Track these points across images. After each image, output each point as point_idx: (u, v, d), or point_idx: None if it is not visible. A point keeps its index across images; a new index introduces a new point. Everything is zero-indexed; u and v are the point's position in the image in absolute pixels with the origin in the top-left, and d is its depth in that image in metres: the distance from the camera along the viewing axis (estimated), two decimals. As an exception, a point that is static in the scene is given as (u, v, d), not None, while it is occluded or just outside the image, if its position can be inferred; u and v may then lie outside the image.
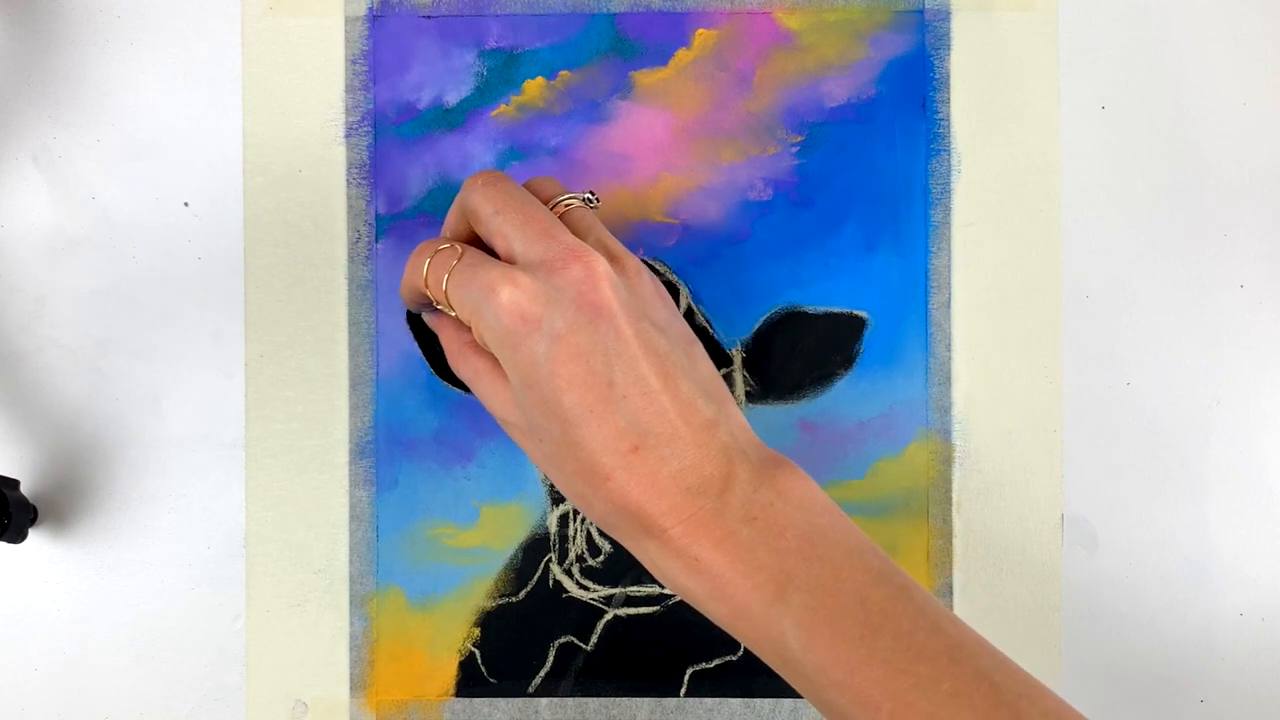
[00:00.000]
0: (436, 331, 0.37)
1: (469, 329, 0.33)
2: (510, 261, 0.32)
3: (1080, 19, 0.41)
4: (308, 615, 0.41)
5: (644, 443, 0.29)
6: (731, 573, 0.29)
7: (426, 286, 0.33)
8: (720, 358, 0.41)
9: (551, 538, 0.41)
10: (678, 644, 0.41)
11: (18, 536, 0.40)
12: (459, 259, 0.32)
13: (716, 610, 0.30)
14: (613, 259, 0.32)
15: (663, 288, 0.34)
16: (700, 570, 0.29)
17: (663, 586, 0.41)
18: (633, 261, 0.33)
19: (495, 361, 0.33)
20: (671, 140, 0.42)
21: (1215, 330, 0.41)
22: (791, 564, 0.29)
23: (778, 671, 0.30)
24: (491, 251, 0.33)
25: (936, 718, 0.27)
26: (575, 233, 0.33)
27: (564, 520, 0.41)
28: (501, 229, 0.32)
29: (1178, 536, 0.41)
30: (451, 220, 0.35)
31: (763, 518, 0.30)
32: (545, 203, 0.34)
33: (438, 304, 0.33)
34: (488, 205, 0.32)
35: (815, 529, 0.30)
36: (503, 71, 0.42)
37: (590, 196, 0.35)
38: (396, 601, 0.41)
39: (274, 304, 0.41)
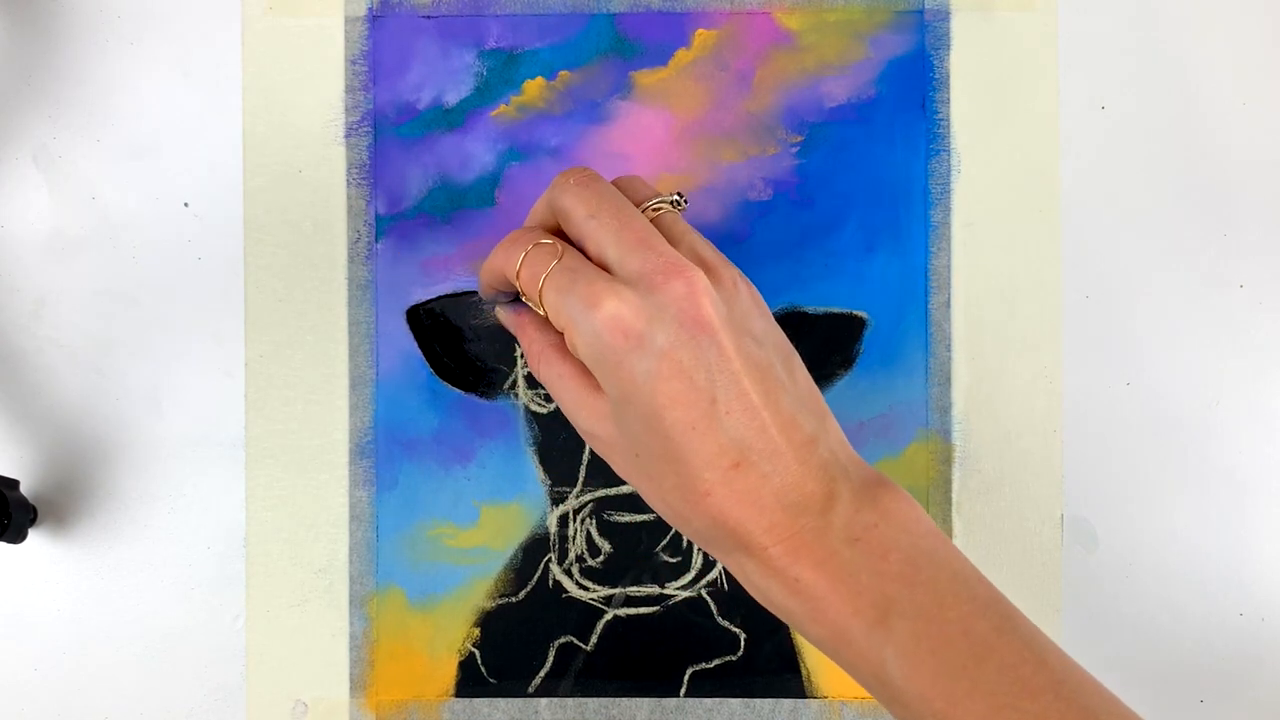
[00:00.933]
0: (514, 328, 0.36)
1: (555, 331, 0.32)
2: (602, 267, 0.31)
3: (1080, 19, 0.41)
4: (308, 615, 0.41)
5: (745, 459, 0.29)
6: (833, 595, 0.28)
7: (518, 280, 0.32)
8: None
9: (551, 538, 0.41)
10: (678, 644, 0.41)
11: (18, 536, 0.40)
12: (558, 260, 0.31)
13: (816, 632, 0.29)
14: (709, 269, 0.31)
15: (758, 293, 0.33)
16: (801, 591, 0.29)
17: (663, 586, 0.41)
18: (729, 271, 0.32)
19: (583, 369, 0.32)
20: (671, 140, 0.42)
21: (1215, 330, 0.41)
22: (894, 589, 0.28)
23: (874, 696, 0.29)
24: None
25: None
26: (668, 239, 0.32)
27: (564, 520, 0.41)
28: (596, 234, 0.31)
29: (1178, 536, 0.41)
30: (539, 215, 0.34)
31: (865, 539, 0.29)
32: (636, 205, 0.33)
33: (525, 299, 0.32)
34: (582, 207, 0.31)
35: (919, 553, 0.29)
36: (503, 71, 0.42)
37: (679, 198, 0.33)
38: (396, 601, 0.41)
39: (274, 304, 0.41)
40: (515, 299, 0.35)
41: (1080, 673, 0.29)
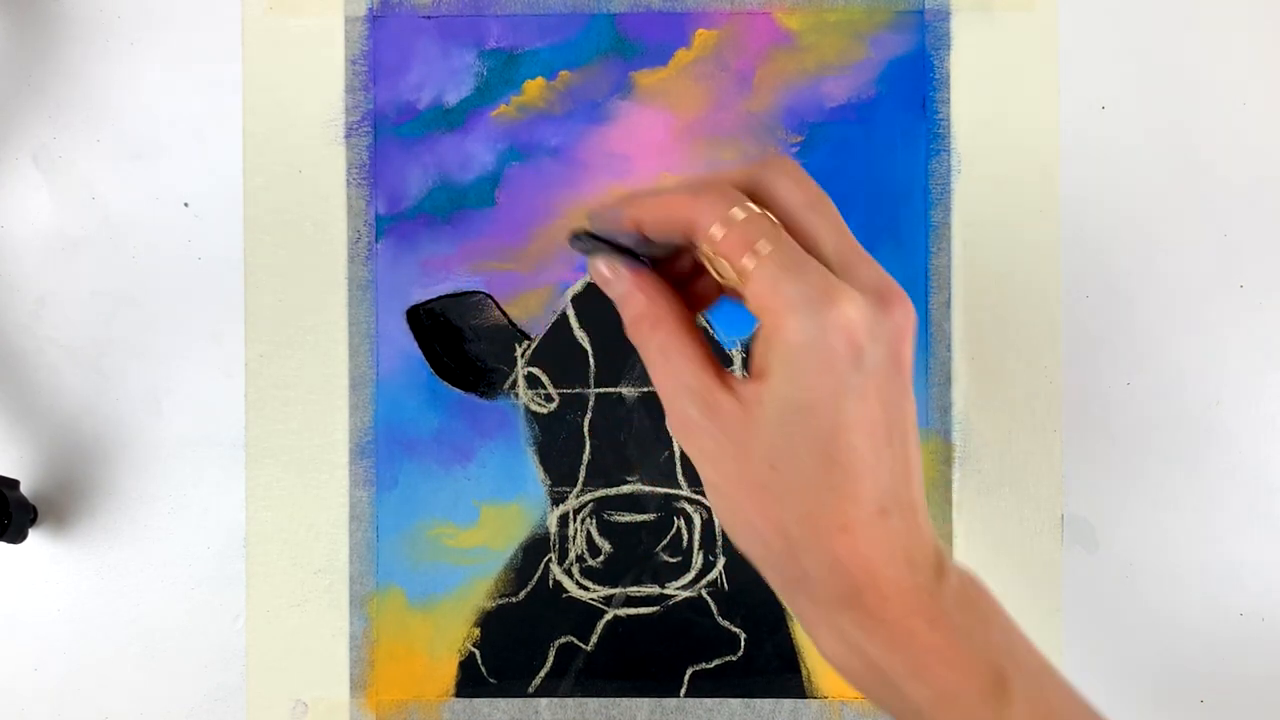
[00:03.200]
0: (620, 283, 0.30)
1: (674, 298, 0.29)
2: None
3: (1080, 19, 0.41)
4: (308, 615, 0.41)
5: (891, 509, 0.28)
6: (948, 653, 0.28)
7: (713, 239, 0.28)
8: (720, 358, 0.41)
9: (551, 538, 0.41)
10: (678, 644, 0.41)
11: (18, 536, 0.40)
12: (779, 240, 0.27)
13: (916, 691, 0.28)
14: (901, 304, 0.28)
15: None
16: (910, 646, 0.28)
17: (663, 586, 0.41)
18: (913, 315, 0.29)
19: (704, 348, 0.29)
20: (671, 140, 0.42)
21: (1215, 330, 0.41)
22: (1002, 660, 0.28)
23: None
24: None
25: None
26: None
27: (564, 520, 0.41)
28: (819, 229, 0.28)
29: (1178, 536, 0.41)
30: (736, 178, 0.29)
31: (974, 608, 0.29)
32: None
33: (713, 266, 0.28)
34: (801, 195, 0.28)
35: (1014, 631, 0.29)
36: (503, 71, 0.42)
37: None
38: (396, 601, 0.41)
39: (274, 304, 0.41)
40: (625, 251, 0.30)
41: None
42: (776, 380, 0.27)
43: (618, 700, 0.41)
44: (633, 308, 0.30)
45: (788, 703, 0.41)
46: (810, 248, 0.28)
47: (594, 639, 0.41)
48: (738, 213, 0.27)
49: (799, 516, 0.28)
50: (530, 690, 0.41)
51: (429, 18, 0.42)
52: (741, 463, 0.28)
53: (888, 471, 0.28)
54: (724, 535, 0.41)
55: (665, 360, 0.29)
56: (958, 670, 0.28)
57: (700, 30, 0.41)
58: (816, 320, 0.26)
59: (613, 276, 0.30)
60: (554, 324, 0.42)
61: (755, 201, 0.28)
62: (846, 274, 0.28)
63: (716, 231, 0.27)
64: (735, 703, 0.41)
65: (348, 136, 0.41)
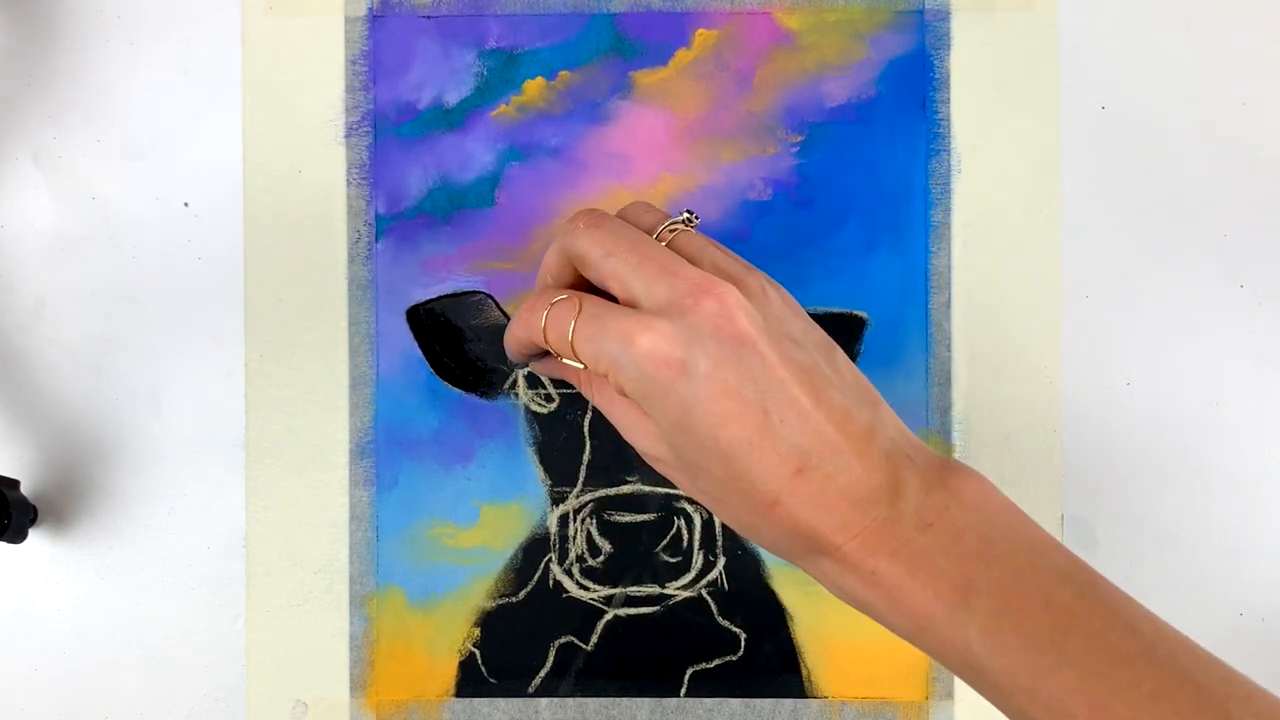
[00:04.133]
0: (558, 374, 0.35)
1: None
2: (630, 303, 0.30)
3: (1080, 19, 0.41)
4: (308, 615, 0.41)
5: (807, 464, 0.29)
6: (911, 582, 0.28)
7: (548, 342, 0.32)
8: None
9: (551, 538, 0.41)
10: (678, 644, 0.41)
11: (18, 536, 0.40)
12: (579, 311, 0.31)
13: (899, 623, 0.29)
14: (737, 280, 0.31)
15: (788, 294, 0.33)
16: (879, 583, 0.29)
17: (663, 586, 0.41)
18: (757, 278, 0.31)
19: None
20: (671, 140, 0.42)
21: (1215, 330, 0.41)
22: (972, 569, 0.28)
23: (966, 682, 0.29)
24: (605, 295, 0.32)
25: None
26: (688, 258, 0.31)
27: (564, 520, 0.41)
28: (617, 272, 0.30)
29: (1178, 536, 0.41)
30: (551, 265, 0.33)
31: (938, 523, 0.29)
32: (648, 233, 0.32)
33: (561, 357, 0.32)
34: (597, 248, 0.31)
35: (993, 529, 0.29)
36: (503, 71, 0.42)
37: (690, 216, 0.33)
38: (396, 601, 0.41)
39: (274, 304, 0.41)
40: (546, 354, 0.35)
41: (1174, 635, 0.28)
42: (653, 416, 0.30)
43: (618, 700, 0.41)
44: (572, 382, 0.35)
45: (788, 703, 0.41)
46: (623, 292, 0.31)
47: (594, 639, 0.41)
48: (544, 314, 0.31)
49: (738, 507, 0.30)
50: (530, 690, 0.41)
51: (429, 18, 0.42)
52: (684, 476, 0.31)
53: (783, 439, 0.29)
54: (724, 535, 0.41)
55: (611, 411, 0.32)
56: (925, 597, 0.28)
57: (700, 30, 0.41)
58: (631, 363, 0.29)
59: (546, 373, 0.35)
60: (554, 324, 0.42)
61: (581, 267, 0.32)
62: (651, 299, 0.30)
63: (542, 338, 0.32)
64: (735, 703, 0.41)
65: (348, 136, 0.41)
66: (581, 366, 0.31)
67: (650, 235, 0.32)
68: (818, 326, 0.32)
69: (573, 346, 0.31)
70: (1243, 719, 0.26)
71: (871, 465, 0.29)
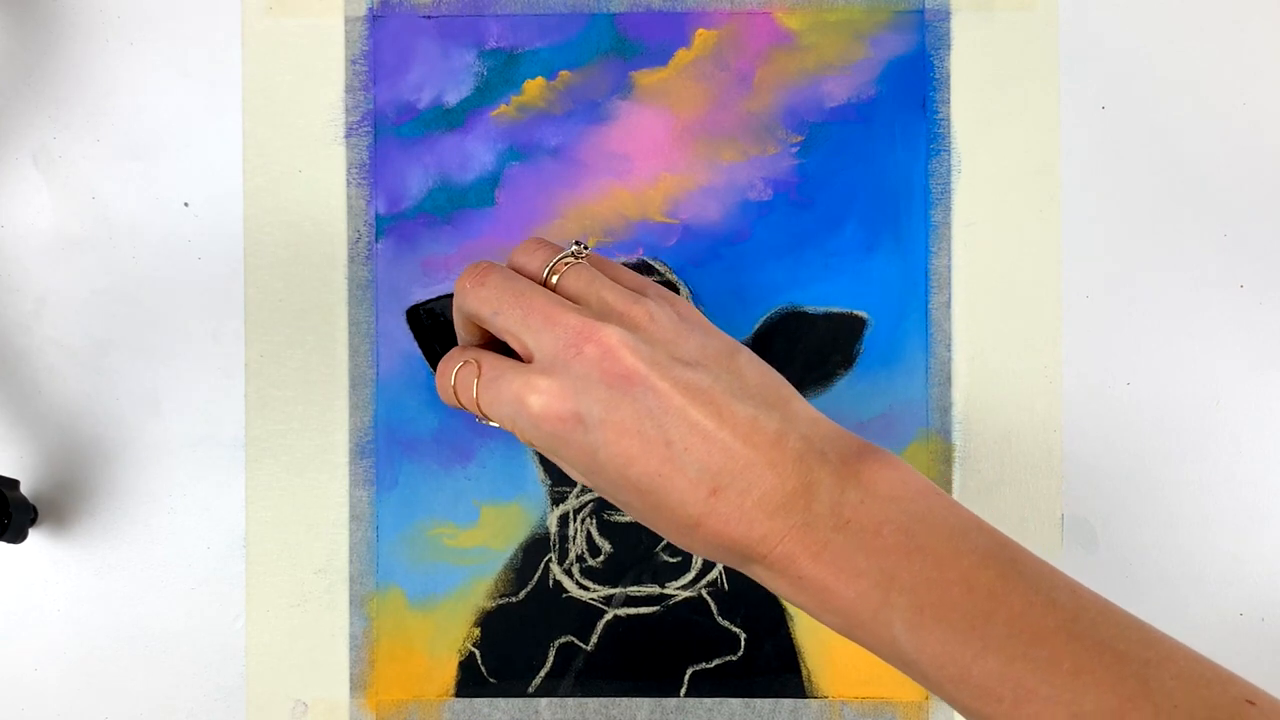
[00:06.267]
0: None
1: None
2: (527, 357, 0.31)
3: (1080, 19, 0.41)
4: (308, 615, 0.41)
5: (719, 484, 0.29)
6: (834, 584, 0.29)
7: (460, 403, 0.33)
8: None
9: (551, 538, 0.41)
10: (678, 644, 0.41)
11: (18, 536, 0.40)
12: (479, 374, 0.32)
13: (830, 621, 0.30)
14: (620, 316, 0.31)
15: (683, 306, 0.33)
16: (805, 586, 0.29)
17: (663, 586, 0.41)
18: (641, 308, 0.31)
19: None
20: (671, 140, 0.42)
21: (1215, 330, 0.41)
22: (892, 563, 0.28)
23: (904, 674, 0.29)
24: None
25: (1059, 701, 0.26)
26: (577, 297, 0.32)
27: (564, 520, 0.41)
28: (507, 327, 0.31)
29: (1178, 536, 0.41)
30: (459, 324, 0.34)
31: (854, 520, 0.29)
32: (537, 275, 0.33)
33: (476, 417, 0.33)
34: (485, 307, 0.32)
35: (912, 518, 0.29)
36: (503, 71, 0.42)
37: (579, 248, 0.33)
38: (396, 601, 0.41)
39: (274, 304, 0.41)
40: None
41: (1095, 604, 0.28)
42: (565, 469, 0.31)
43: (618, 700, 0.41)
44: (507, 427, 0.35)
45: (788, 702, 0.41)
46: (518, 347, 0.32)
47: (594, 639, 0.41)
48: (451, 378, 0.33)
49: (667, 529, 0.31)
50: (530, 690, 0.41)
51: (429, 18, 0.42)
52: (618, 503, 0.32)
53: (691, 465, 0.29)
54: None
55: (547, 457, 0.33)
56: (848, 597, 0.29)
57: (700, 30, 0.41)
58: (529, 425, 0.30)
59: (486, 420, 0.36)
60: (554, 324, 0.42)
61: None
62: (540, 353, 0.31)
63: (455, 400, 0.33)
64: (735, 703, 0.41)
65: (348, 136, 0.41)
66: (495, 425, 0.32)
67: (540, 277, 0.33)
68: (719, 333, 0.32)
69: (479, 408, 0.32)
70: (1160, 682, 0.26)
71: (784, 472, 0.29)
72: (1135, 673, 0.27)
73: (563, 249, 0.33)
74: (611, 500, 0.32)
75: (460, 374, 0.33)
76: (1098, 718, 0.26)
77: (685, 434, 0.29)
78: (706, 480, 0.29)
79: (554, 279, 0.33)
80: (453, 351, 0.34)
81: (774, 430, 0.30)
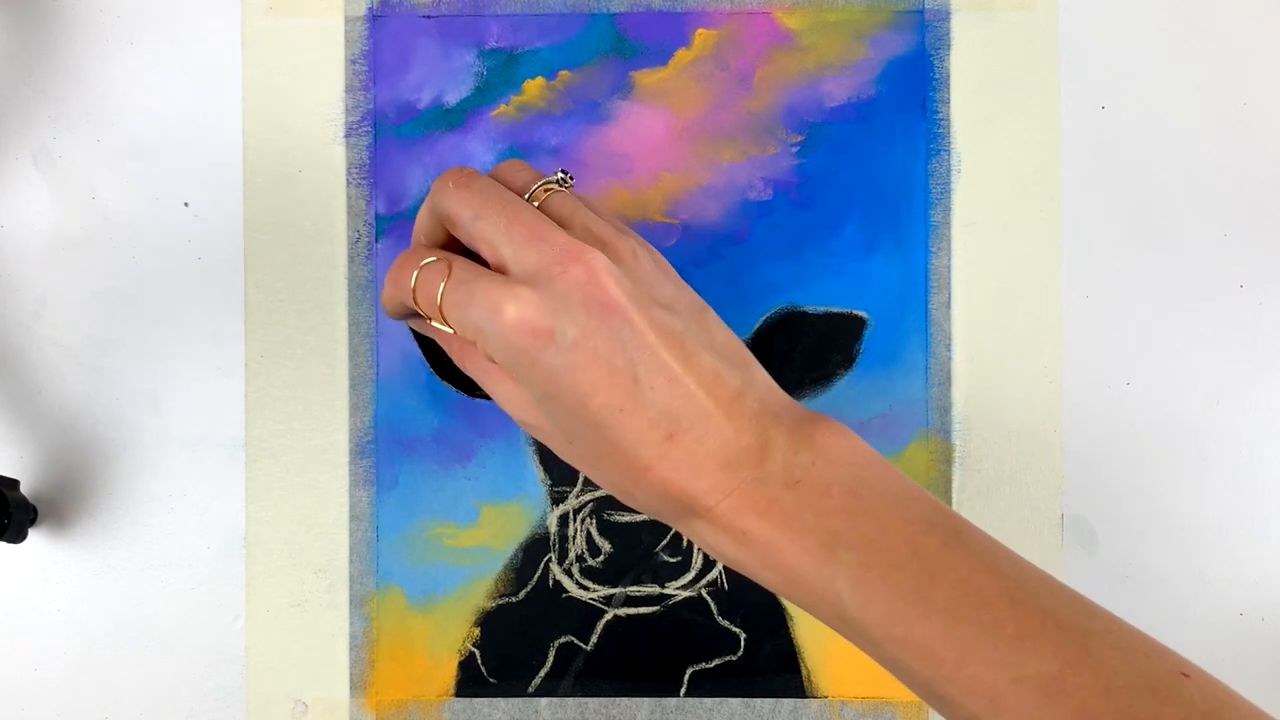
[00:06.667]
0: (432, 337, 0.36)
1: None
2: (500, 268, 0.30)
3: (1080, 19, 0.41)
4: (308, 615, 0.41)
5: (677, 428, 0.29)
6: (780, 539, 0.29)
7: (417, 304, 0.31)
8: None
9: (551, 538, 0.41)
10: (678, 644, 0.41)
11: (18, 536, 0.40)
12: (448, 276, 0.30)
13: (771, 578, 0.30)
14: (606, 245, 0.31)
15: (660, 256, 0.32)
16: (749, 542, 0.29)
17: (663, 586, 0.41)
18: (625, 242, 0.31)
19: None
20: (671, 140, 0.42)
21: (1215, 330, 0.41)
22: (838, 523, 0.29)
23: (841, 634, 0.29)
24: (474, 255, 0.32)
25: (1003, 664, 0.27)
26: (559, 221, 0.31)
27: (564, 520, 0.41)
28: (485, 234, 0.30)
29: (1178, 536, 0.41)
30: (424, 224, 0.33)
31: (805, 480, 0.29)
32: (520, 193, 0.32)
33: (431, 320, 0.32)
34: (465, 210, 0.30)
35: (860, 483, 0.29)
36: (503, 71, 0.42)
37: (564, 175, 0.33)
38: (396, 601, 0.41)
39: (274, 304, 0.41)
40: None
41: (1037, 575, 0.29)
42: (523, 386, 0.30)
43: (618, 700, 0.41)
44: (445, 348, 0.35)
45: (788, 702, 0.41)
46: (492, 255, 0.30)
47: (594, 639, 0.41)
48: (414, 275, 0.31)
49: (611, 472, 0.30)
50: (530, 690, 0.41)
51: (429, 18, 0.42)
52: (559, 443, 0.31)
53: (653, 405, 0.29)
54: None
55: (485, 381, 0.33)
56: (793, 553, 0.29)
57: (700, 30, 0.41)
58: (497, 333, 0.29)
59: (421, 332, 0.35)
60: (554, 324, 0.41)
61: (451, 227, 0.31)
62: (519, 265, 0.29)
63: (411, 300, 0.31)
64: (735, 702, 0.41)
65: (348, 136, 0.41)
66: (451, 331, 0.31)
67: (523, 195, 0.32)
68: (689, 288, 0.32)
69: (441, 312, 0.30)
70: (1101, 650, 0.27)
71: (741, 427, 0.30)
72: (1076, 640, 0.27)
73: (547, 175, 0.33)
74: (555, 434, 0.31)
75: (426, 272, 0.31)
76: (1038, 682, 0.26)
77: (653, 373, 0.29)
78: (665, 423, 0.29)
79: (541, 195, 0.32)
80: (408, 252, 0.32)
81: (735, 386, 0.30)
